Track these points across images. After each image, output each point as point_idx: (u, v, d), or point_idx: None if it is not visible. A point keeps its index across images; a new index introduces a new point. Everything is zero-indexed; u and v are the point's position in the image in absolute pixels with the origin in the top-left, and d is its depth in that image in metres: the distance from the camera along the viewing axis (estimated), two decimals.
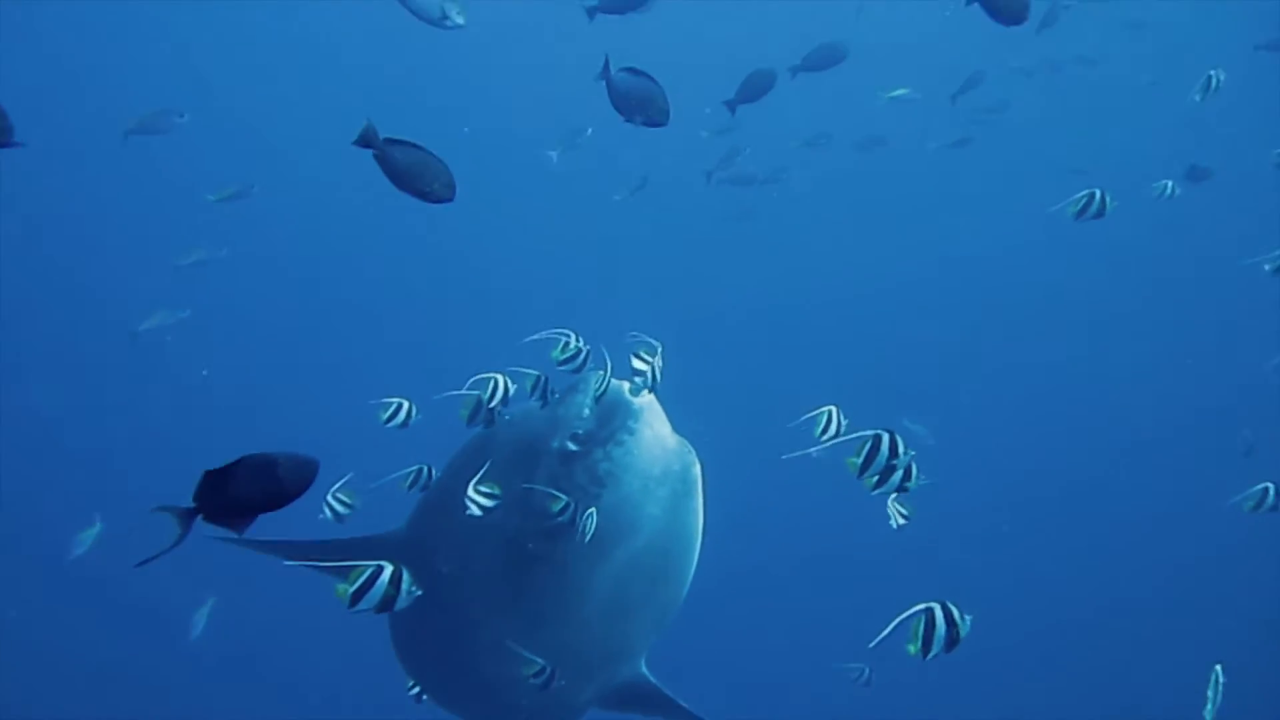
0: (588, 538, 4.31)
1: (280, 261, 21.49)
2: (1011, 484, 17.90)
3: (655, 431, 4.64)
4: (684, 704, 4.85)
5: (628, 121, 4.59)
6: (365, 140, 3.62)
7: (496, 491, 4.28)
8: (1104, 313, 22.54)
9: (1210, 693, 3.79)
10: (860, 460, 3.54)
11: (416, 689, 5.11)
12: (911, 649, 3.10)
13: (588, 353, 4.62)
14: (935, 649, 3.11)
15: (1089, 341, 22.03)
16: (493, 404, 4.54)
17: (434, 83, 24.58)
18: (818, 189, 20.97)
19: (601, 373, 4.57)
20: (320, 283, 22.62)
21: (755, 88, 7.79)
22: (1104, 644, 15.15)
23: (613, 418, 4.59)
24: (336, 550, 4.80)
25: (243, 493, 2.73)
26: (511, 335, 4.96)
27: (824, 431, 4.37)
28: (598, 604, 4.54)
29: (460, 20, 4.74)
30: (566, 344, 4.64)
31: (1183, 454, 18.06)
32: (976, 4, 4.79)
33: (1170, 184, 7.07)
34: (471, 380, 4.66)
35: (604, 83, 4.53)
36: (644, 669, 4.92)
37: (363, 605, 3.25)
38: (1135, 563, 16.31)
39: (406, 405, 4.91)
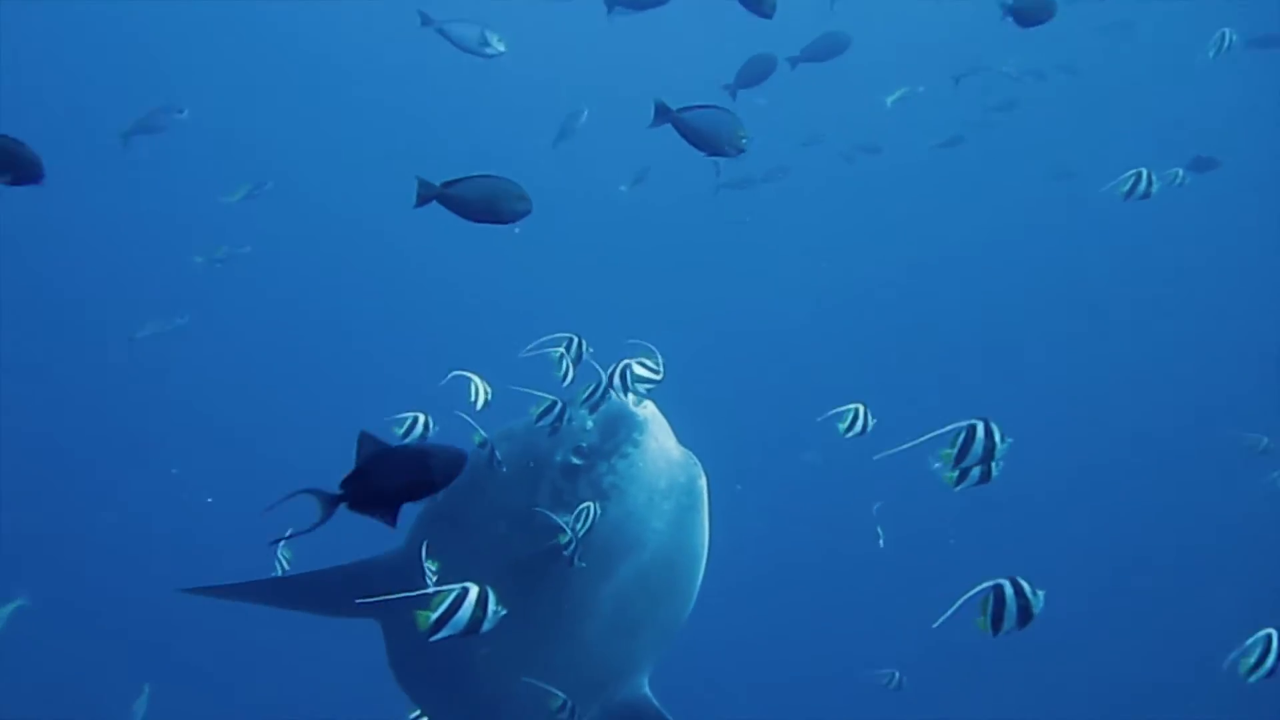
0: (580, 562, 4.16)
1: (279, 264, 21.26)
2: (1015, 482, 17.74)
3: (660, 444, 4.47)
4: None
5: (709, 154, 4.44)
6: (425, 197, 3.54)
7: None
8: (1103, 310, 22.42)
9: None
10: (955, 451, 3.34)
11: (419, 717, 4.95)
12: (981, 625, 3.01)
13: (583, 353, 4.48)
14: (1007, 624, 3.01)
15: (1090, 340, 21.89)
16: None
17: (424, 82, 24.39)
18: (816, 190, 20.81)
19: (598, 384, 4.40)
20: (314, 289, 22.48)
21: (755, 72, 7.65)
22: (1112, 642, 15.02)
23: (616, 430, 4.41)
24: (335, 580, 4.61)
25: (391, 482, 2.70)
26: (507, 343, 4.80)
27: (849, 429, 4.42)
28: (601, 621, 4.35)
29: (501, 48, 4.61)
30: (562, 356, 4.51)
31: (1179, 452, 17.96)
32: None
33: (1181, 172, 6.94)
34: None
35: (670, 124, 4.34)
36: (646, 689, 4.73)
37: (446, 631, 3.11)
38: (1141, 558, 16.22)
39: (423, 419, 4.66)
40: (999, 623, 3.01)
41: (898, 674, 7.07)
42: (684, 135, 4.34)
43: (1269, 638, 3.41)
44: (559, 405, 4.34)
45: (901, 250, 24.42)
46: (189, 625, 11.89)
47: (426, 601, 3.14)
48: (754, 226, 19.85)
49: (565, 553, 4.12)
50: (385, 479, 2.69)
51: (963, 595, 3.01)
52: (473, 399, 4.64)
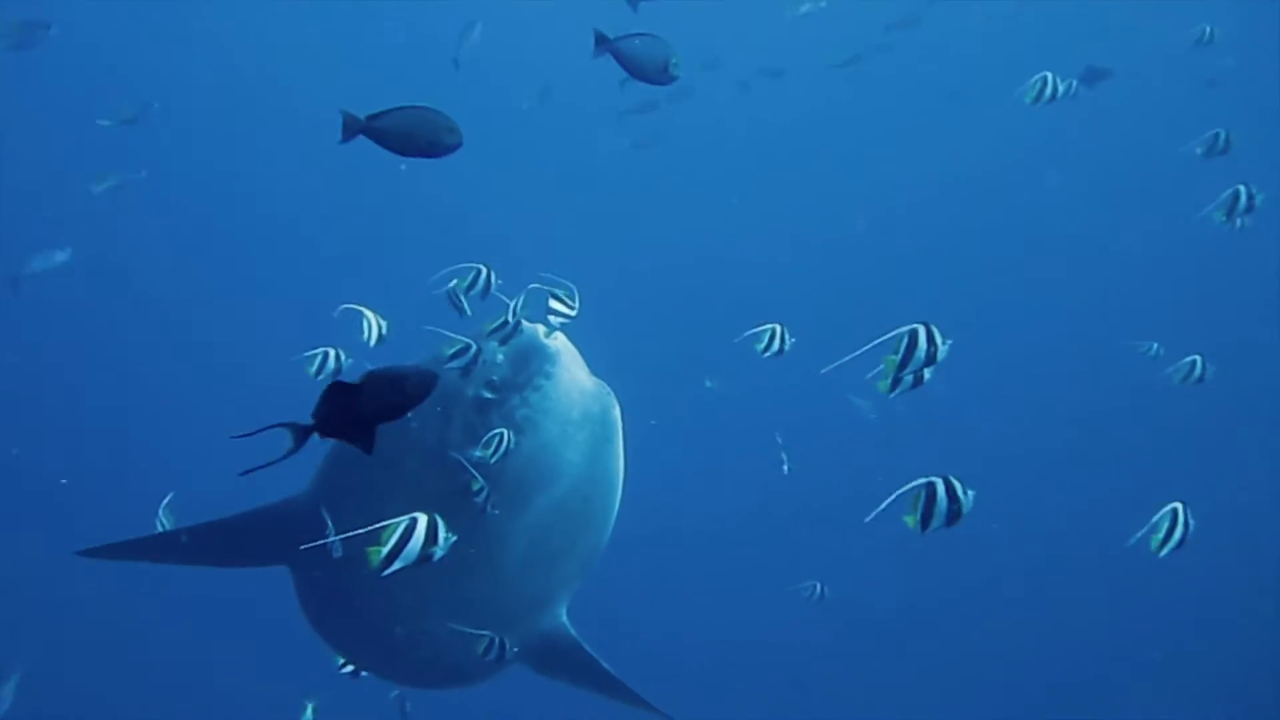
0: (494, 510, 4.12)
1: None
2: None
3: (572, 374, 4.38)
4: (596, 656, 4.70)
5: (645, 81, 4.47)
6: (351, 130, 3.37)
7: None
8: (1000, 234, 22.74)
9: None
10: (900, 356, 3.31)
11: (348, 666, 4.88)
12: (910, 521, 3.00)
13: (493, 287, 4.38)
14: (935, 524, 3.01)
15: (990, 273, 22.21)
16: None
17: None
18: (720, 114, 20.67)
19: (508, 314, 4.31)
20: (205, 221, 21.59)
21: None
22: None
23: (528, 363, 4.31)
24: (238, 527, 4.48)
25: (365, 407, 2.68)
26: (415, 274, 4.66)
27: (766, 349, 4.45)
28: (519, 554, 4.30)
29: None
30: (477, 278, 4.40)
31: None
32: None
33: (1074, 83, 6.99)
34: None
35: (608, 54, 4.39)
36: (564, 618, 4.74)
37: (398, 564, 3.04)
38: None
39: (334, 353, 4.47)
40: (928, 520, 3.01)
41: (820, 585, 7.14)
42: (620, 63, 4.38)
43: (1175, 511, 3.46)
44: (473, 349, 4.22)
45: (810, 176, 24.49)
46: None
47: (376, 537, 3.08)
48: (664, 150, 19.51)
49: (478, 499, 4.08)
50: (357, 404, 2.66)
51: (895, 492, 3.00)
52: (365, 335, 4.46)
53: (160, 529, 4.76)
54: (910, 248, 22.72)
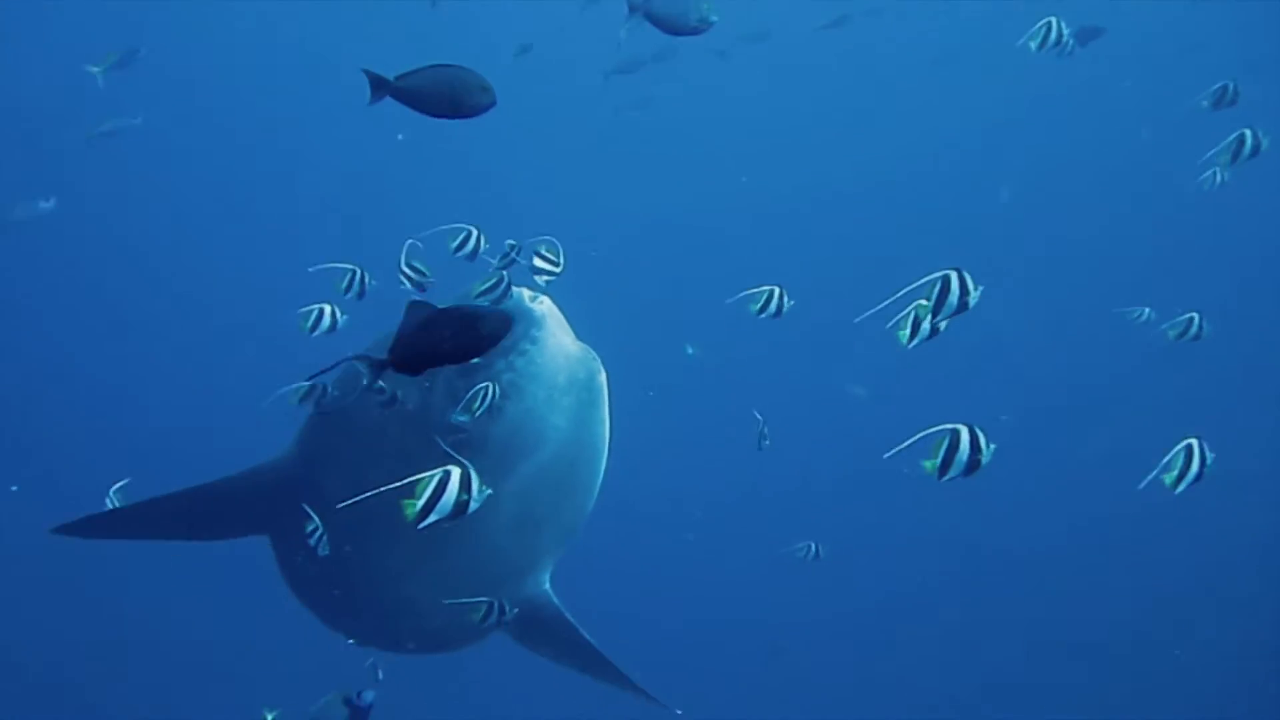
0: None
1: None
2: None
3: (558, 339, 4.30)
4: (576, 625, 4.65)
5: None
6: (380, 91, 3.24)
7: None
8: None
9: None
10: (933, 302, 3.23)
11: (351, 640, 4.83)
12: (929, 466, 2.96)
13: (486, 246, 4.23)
14: (953, 472, 2.96)
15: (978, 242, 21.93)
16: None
17: None
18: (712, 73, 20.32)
19: (497, 277, 4.22)
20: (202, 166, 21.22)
21: None
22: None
23: (513, 326, 4.27)
24: (216, 492, 4.40)
25: (438, 346, 2.67)
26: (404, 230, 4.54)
27: (762, 310, 4.38)
28: (503, 519, 4.23)
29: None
30: (466, 240, 4.27)
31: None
32: None
33: (1070, 40, 6.86)
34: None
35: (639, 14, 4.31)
36: (547, 585, 4.69)
37: (433, 517, 2.95)
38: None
39: (329, 309, 4.31)
40: (946, 468, 2.97)
41: (815, 545, 7.08)
42: (653, 21, 4.30)
43: (1189, 447, 3.35)
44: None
45: (803, 140, 24.24)
46: None
47: (411, 489, 2.98)
48: (655, 112, 19.21)
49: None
50: (432, 342, 2.64)
51: (917, 434, 2.96)
52: (343, 287, 4.30)
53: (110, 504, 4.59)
54: (896, 214, 22.53)
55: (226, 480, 4.44)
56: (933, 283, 3.17)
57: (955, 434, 2.96)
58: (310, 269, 4.40)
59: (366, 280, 4.27)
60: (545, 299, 4.36)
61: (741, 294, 4.64)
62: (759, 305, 4.61)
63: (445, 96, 3.31)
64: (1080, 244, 21.13)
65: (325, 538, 4.16)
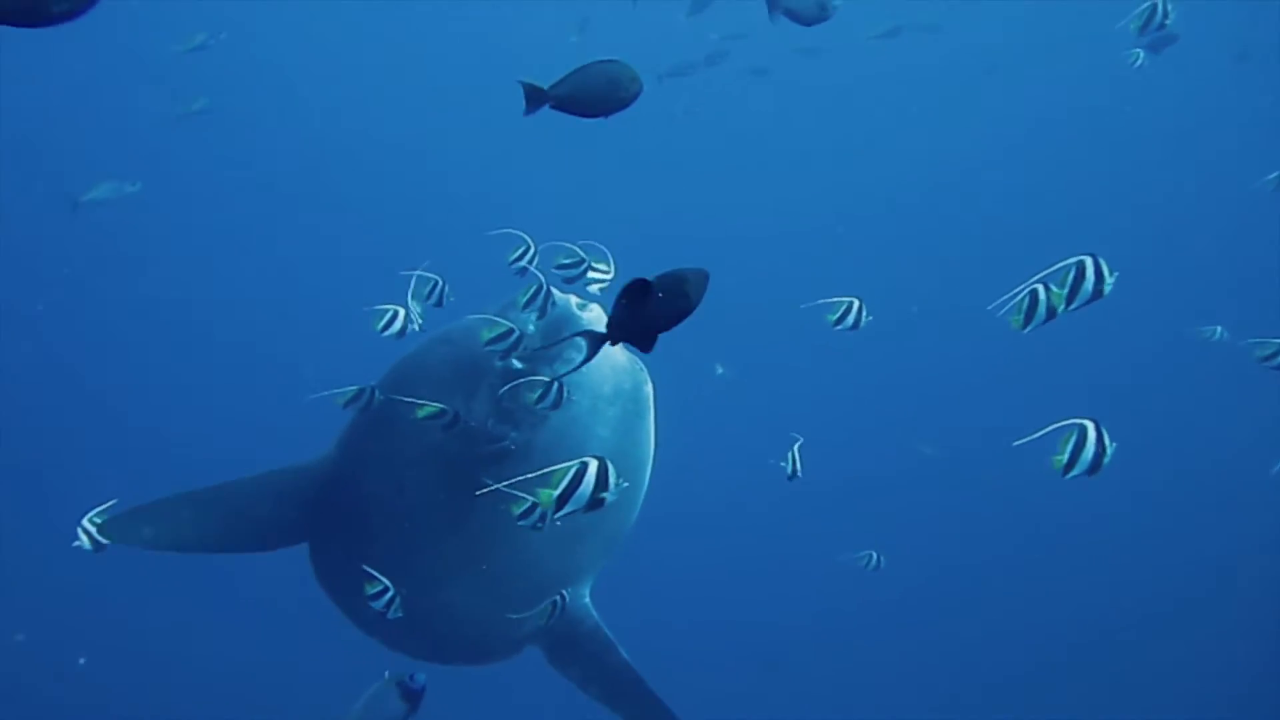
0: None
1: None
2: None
3: (605, 349, 4.25)
4: (615, 640, 4.51)
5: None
6: (535, 102, 3.17)
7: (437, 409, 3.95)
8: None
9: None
10: (1066, 290, 3.21)
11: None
12: (1057, 462, 3.00)
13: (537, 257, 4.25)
14: (1077, 470, 3.00)
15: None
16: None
17: None
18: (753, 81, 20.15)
19: (540, 285, 4.14)
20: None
21: None
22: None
23: (559, 333, 4.15)
24: (254, 487, 4.33)
25: (656, 312, 2.62)
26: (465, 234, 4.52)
27: (839, 322, 4.31)
28: (543, 531, 4.18)
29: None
30: (525, 251, 4.28)
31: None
32: None
33: (1140, 54, 6.66)
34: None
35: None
36: (587, 599, 4.57)
37: (570, 508, 2.96)
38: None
39: (403, 312, 4.35)
40: (1071, 465, 2.99)
41: (876, 554, 6.91)
42: (790, 16, 4.47)
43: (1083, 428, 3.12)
44: (516, 333, 4.03)
45: (842, 150, 23.95)
46: None
47: (546, 480, 3.00)
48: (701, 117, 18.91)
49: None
50: (647, 310, 2.61)
51: (1047, 427, 2.99)
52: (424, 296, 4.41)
53: (83, 539, 3.89)
54: (942, 227, 22.22)
55: (266, 475, 4.36)
56: (1066, 269, 3.13)
57: (1083, 430, 2.98)
58: (402, 271, 4.46)
59: (445, 291, 4.39)
60: (594, 306, 4.28)
61: (819, 302, 4.52)
62: (836, 316, 4.48)
63: (599, 96, 3.23)
64: (1137, 254, 20.69)
65: (398, 601, 4.07)
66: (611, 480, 2.97)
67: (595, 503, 2.97)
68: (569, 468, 2.95)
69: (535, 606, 4.24)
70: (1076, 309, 3.17)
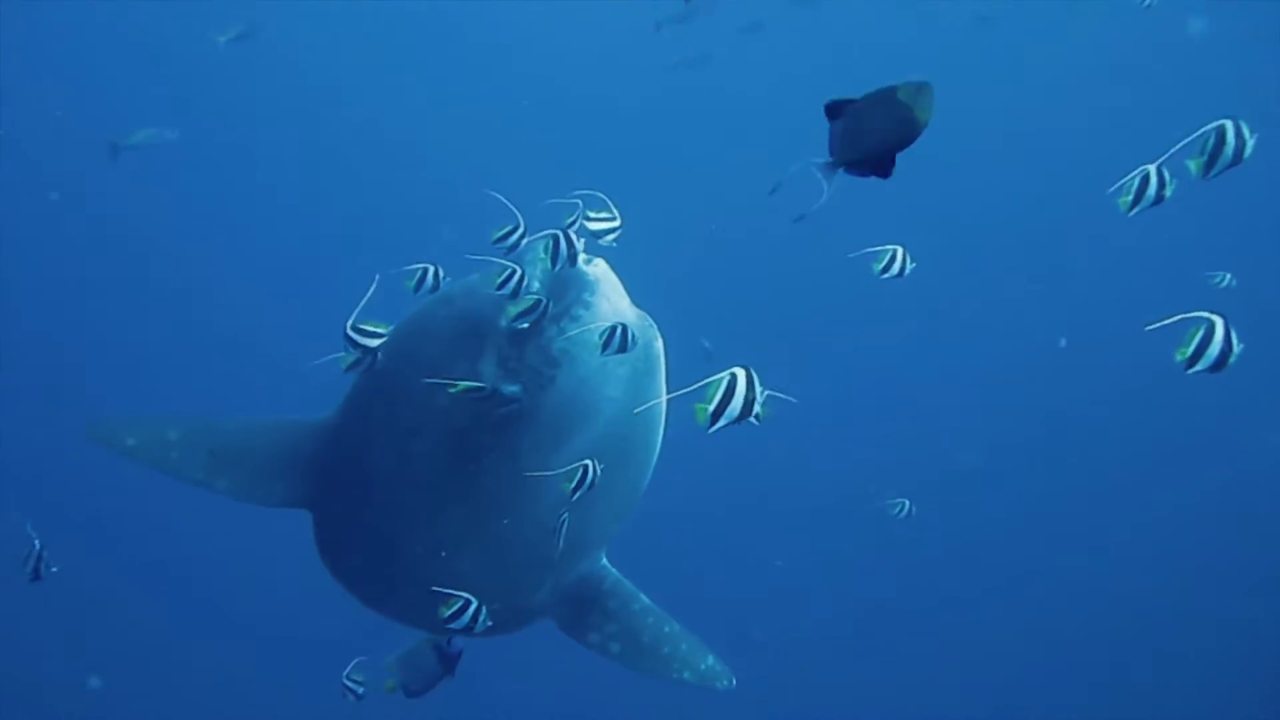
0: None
1: None
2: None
3: (613, 304, 4.00)
4: (638, 591, 4.30)
5: None
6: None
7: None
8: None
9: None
10: (1205, 158, 3.09)
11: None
12: (1180, 355, 2.93)
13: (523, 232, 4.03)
14: (1201, 365, 2.93)
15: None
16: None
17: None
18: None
19: (549, 239, 3.96)
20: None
21: None
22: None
23: (565, 291, 3.95)
24: (247, 429, 4.20)
25: (876, 133, 2.31)
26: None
27: (884, 270, 4.18)
28: (554, 494, 3.92)
29: None
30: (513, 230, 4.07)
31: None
32: None
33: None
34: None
35: None
36: (605, 561, 4.37)
37: (723, 423, 2.80)
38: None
39: (434, 270, 4.21)
40: (1196, 359, 2.93)
41: (908, 503, 6.81)
42: None
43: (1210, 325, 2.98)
44: (518, 273, 3.84)
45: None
46: None
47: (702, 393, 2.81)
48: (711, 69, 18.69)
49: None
50: (869, 131, 2.33)
51: (1176, 315, 2.91)
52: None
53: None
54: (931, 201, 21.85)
55: (262, 420, 4.24)
56: (1205, 135, 3.02)
57: (1210, 325, 2.89)
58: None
59: (441, 275, 4.23)
60: (600, 261, 4.09)
61: (864, 251, 4.31)
62: (881, 264, 4.28)
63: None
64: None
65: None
66: (758, 390, 2.80)
67: (746, 410, 2.80)
68: (720, 379, 2.79)
69: (545, 575, 4.09)
70: (1216, 175, 3.05)
